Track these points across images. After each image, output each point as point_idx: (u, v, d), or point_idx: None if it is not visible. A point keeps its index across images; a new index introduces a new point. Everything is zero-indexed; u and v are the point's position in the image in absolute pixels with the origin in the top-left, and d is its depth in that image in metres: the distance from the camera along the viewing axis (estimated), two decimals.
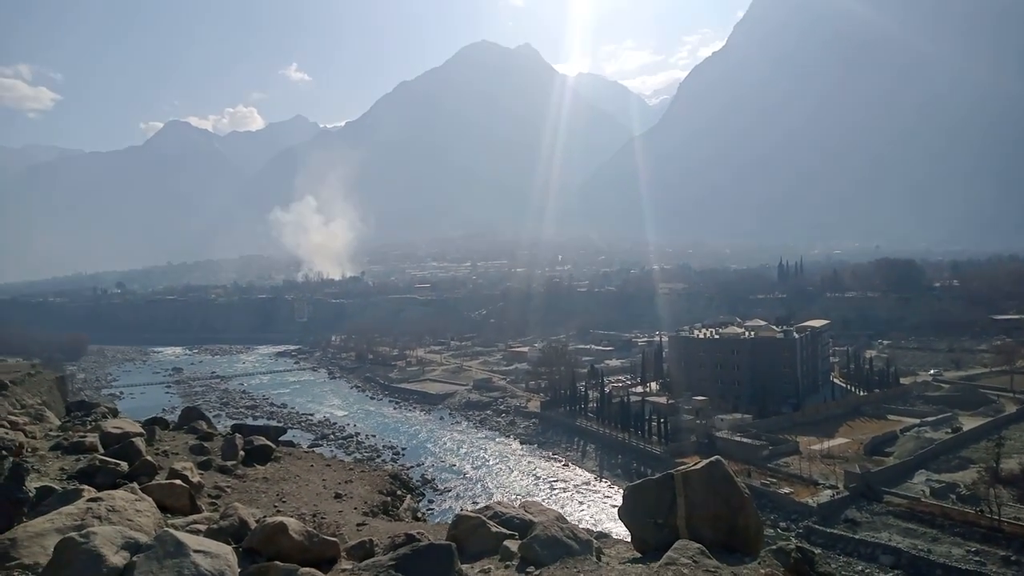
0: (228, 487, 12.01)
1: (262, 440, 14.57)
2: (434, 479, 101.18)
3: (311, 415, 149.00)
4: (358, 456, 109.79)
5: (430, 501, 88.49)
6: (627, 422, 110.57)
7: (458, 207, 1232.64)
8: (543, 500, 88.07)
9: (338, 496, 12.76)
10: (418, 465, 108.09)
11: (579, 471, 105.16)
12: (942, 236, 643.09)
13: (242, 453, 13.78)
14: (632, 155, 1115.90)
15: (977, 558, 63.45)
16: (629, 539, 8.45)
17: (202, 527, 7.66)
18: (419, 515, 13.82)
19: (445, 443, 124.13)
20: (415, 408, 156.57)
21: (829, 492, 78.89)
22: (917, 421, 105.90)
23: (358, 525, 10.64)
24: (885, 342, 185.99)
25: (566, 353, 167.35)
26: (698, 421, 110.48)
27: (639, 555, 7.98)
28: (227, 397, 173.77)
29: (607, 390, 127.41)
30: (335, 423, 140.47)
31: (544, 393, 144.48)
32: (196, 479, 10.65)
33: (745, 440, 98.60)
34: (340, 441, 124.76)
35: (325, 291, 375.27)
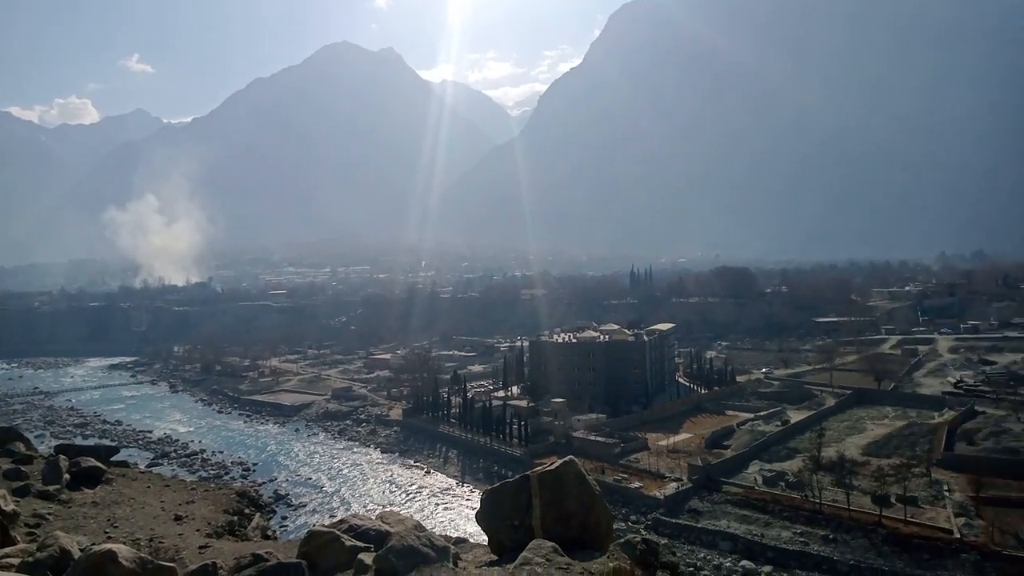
0: (50, 514, 10.87)
1: (91, 461, 13.30)
2: (288, 494, 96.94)
3: (149, 432, 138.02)
4: (203, 474, 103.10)
5: (283, 518, 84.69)
6: (489, 426, 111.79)
7: (317, 210, 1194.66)
8: (403, 509, 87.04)
9: (178, 518, 11.90)
10: (270, 481, 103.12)
11: (441, 477, 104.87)
12: (773, 247, 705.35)
13: (67, 476, 12.50)
14: (495, 164, 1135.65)
15: (802, 539, 69.96)
16: (487, 543, 8.54)
17: (15, 560, 6.86)
18: (270, 533, 13.17)
19: (300, 456, 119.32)
20: (268, 421, 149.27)
21: (675, 485, 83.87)
22: (751, 416, 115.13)
23: (200, 548, 9.97)
24: (724, 343, 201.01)
25: (429, 359, 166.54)
26: (557, 422, 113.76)
27: (496, 558, 8.08)
28: (52, 415, 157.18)
29: (470, 395, 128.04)
30: (177, 440, 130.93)
31: (406, 400, 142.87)
32: (10, 507, 9.53)
33: (599, 439, 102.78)
34: (183, 459, 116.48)
35: (167, 298, 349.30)
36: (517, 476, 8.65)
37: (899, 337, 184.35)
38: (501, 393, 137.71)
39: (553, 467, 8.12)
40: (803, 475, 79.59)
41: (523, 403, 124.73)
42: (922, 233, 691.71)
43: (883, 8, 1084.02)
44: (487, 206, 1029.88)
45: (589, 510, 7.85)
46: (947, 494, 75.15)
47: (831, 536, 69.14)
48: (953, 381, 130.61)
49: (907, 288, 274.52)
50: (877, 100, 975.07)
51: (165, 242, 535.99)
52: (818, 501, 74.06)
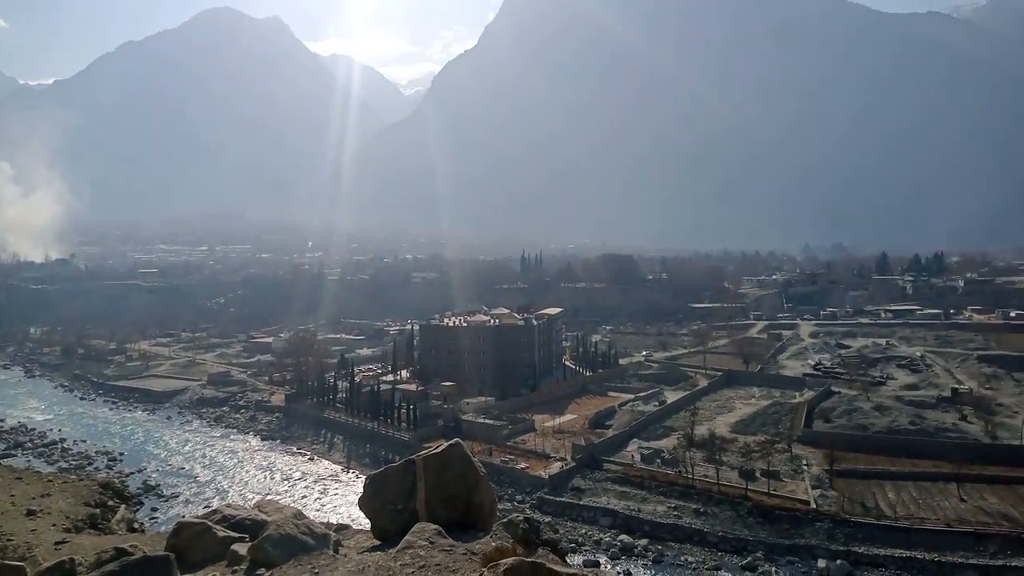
0: None
1: None
2: (158, 485, 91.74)
3: (1, 421, 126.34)
4: (63, 466, 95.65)
5: (153, 510, 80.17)
6: (377, 411, 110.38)
7: (195, 185, 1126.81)
8: (283, 498, 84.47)
9: (31, 513, 10.96)
10: (139, 471, 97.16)
11: (326, 464, 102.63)
12: (657, 234, 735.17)
13: None
14: (386, 144, 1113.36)
15: (676, 513, 74.02)
16: (370, 528, 8.42)
17: None
18: (136, 526, 12.40)
19: (172, 445, 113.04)
20: (136, 408, 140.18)
21: (559, 464, 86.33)
22: (632, 397, 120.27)
23: (57, 544, 9.24)
24: (608, 328, 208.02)
25: (315, 343, 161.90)
26: (446, 406, 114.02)
27: (379, 543, 7.99)
28: None
29: (357, 380, 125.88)
30: (33, 429, 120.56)
31: (290, 386, 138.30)
32: None
33: (488, 421, 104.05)
34: (39, 450, 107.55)
35: (23, 275, 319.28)
36: (402, 460, 8.60)
37: (766, 322, 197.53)
38: (390, 377, 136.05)
39: (439, 450, 8.13)
40: (678, 452, 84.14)
41: (412, 387, 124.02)
42: (788, 225, 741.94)
43: (763, 13, 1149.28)
44: (378, 187, 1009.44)
45: (474, 491, 7.92)
46: (806, 468, 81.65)
47: (702, 509, 73.54)
48: (812, 364, 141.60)
49: (774, 277, 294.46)
50: (758, 100, 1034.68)
51: (21, 214, 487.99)
52: (691, 476, 78.49)
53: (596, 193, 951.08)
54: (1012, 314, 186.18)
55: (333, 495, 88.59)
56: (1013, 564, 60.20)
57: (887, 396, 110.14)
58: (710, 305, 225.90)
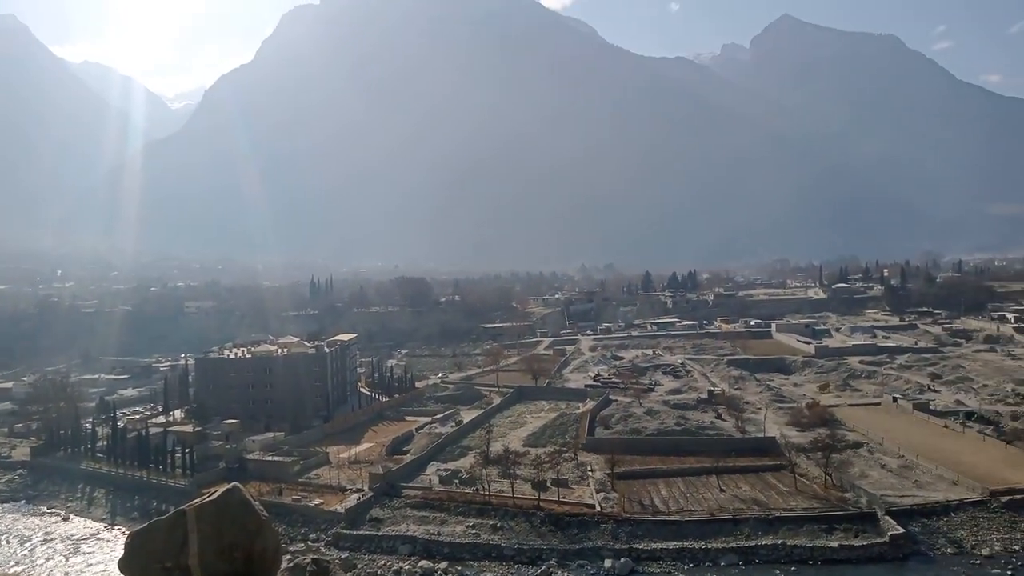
0: None
1: None
2: None
3: None
4: None
5: None
6: (146, 457, 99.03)
7: None
8: (24, 568, 72.64)
9: None
10: None
11: (85, 522, 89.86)
12: (446, 257, 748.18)
13: None
14: (152, 161, 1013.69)
15: (474, 531, 74.98)
16: None
17: None
18: None
19: None
20: None
21: (356, 496, 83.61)
22: (429, 419, 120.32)
23: None
24: (403, 351, 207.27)
25: (67, 386, 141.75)
26: (228, 446, 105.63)
27: None
28: None
29: (121, 424, 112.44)
30: None
31: (36, 437, 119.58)
32: None
33: (277, 458, 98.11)
34: None
35: None
36: (172, 511, 7.76)
37: (552, 339, 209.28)
38: (162, 419, 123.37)
39: (214, 497, 7.43)
40: (475, 470, 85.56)
41: (188, 428, 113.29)
42: (566, 247, 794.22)
43: (539, 50, 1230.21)
44: (142, 208, 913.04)
45: (256, 538, 7.33)
46: (590, 473, 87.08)
47: (499, 524, 75.27)
48: (592, 375, 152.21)
49: (557, 296, 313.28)
50: (536, 129, 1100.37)
51: None
52: (487, 493, 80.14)
53: (382, 215, 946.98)
54: (752, 323, 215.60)
55: (95, 558, 77.72)
56: (764, 542, 68.95)
57: (656, 401, 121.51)
58: (501, 325, 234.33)
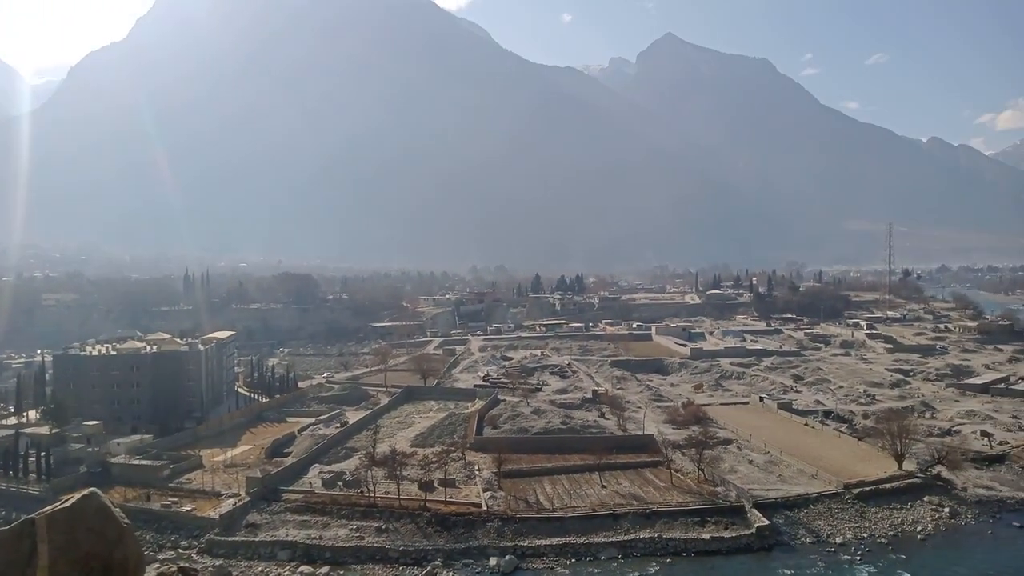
0: None
1: None
2: None
3: None
4: None
5: None
6: None
7: None
8: None
9: None
10: None
11: None
12: (334, 253, 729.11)
13: None
14: (7, 137, 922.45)
15: (358, 534, 73.27)
16: None
17: None
18: None
19: None
20: None
21: (231, 501, 79.71)
22: (313, 420, 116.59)
23: None
24: (286, 350, 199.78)
25: None
26: (90, 449, 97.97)
27: None
28: None
29: None
30: None
31: None
32: None
33: (144, 462, 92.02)
34: None
35: None
36: (17, 521, 7.01)
37: (441, 339, 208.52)
38: (14, 420, 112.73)
39: (68, 504, 6.78)
40: (359, 472, 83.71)
41: (44, 430, 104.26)
42: (456, 247, 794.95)
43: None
44: None
45: (115, 546, 6.74)
46: (478, 472, 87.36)
47: (384, 527, 74.02)
48: (482, 375, 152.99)
49: (447, 296, 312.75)
50: (425, 130, 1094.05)
51: None
52: (373, 495, 78.63)
53: (265, 206, 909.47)
54: (634, 326, 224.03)
55: None
56: (641, 536, 71.71)
57: (543, 400, 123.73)
58: (390, 324, 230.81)
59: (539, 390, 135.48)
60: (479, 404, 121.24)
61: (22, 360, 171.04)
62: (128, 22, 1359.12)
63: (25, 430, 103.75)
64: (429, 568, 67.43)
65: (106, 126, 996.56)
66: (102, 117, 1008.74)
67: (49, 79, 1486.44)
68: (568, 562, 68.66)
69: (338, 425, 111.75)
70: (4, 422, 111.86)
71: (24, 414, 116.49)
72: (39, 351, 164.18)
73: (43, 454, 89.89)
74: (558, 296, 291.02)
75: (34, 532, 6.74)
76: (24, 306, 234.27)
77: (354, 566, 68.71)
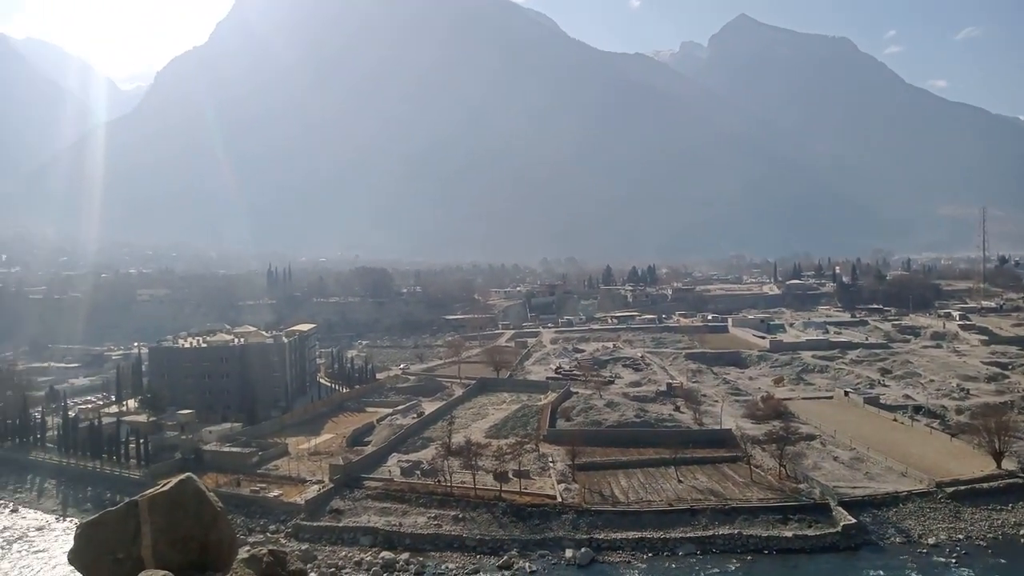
0: None
1: None
2: None
3: None
4: None
5: None
6: (99, 448, 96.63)
7: None
8: None
9: None
10: None
11: (34, 514, 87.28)
12: (408, 248, 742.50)
13: None
14: (102, 143, 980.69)
15: (436, 522, 74.83)
16: None
17: None
18: None
19: None
20: None
21: (316, 487, 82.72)
22: (390, 410, 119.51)
23: None
24: (364, 342, 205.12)
25: (14, 375, 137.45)
26: (184, 436, 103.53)
27: None
28: None
29: (72, 414, 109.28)
30: None
31: None
32: None
33: (235, 449, 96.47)
34: None
35: None
36: (122, 503, 7.44)
37: (513, 331, 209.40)
38: (115, 408, 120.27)
39: (167, 487, 7.16)
40: (436, 462, 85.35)
41: (142, 418, 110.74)
42: (528, 240, 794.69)
43: (494, 37, 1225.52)
44: (93, 192, 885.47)
45: (210, 529, 7.07)
46: (552, 465, 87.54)
47: (460, 515, 75.24)
48: (554, 368, 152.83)
49: (518, 288, 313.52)
50: (489, 124, 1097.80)
51: None
52: (449, 484, 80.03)
53: (346, 205, 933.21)
54: (709, 317, 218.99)
55: (45, 550, 75.40)
56: (720, 532, 70.28)
57: (616, 393, 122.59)
58: (463, 316, 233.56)
59: (612, 383, 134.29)
60: (552, 396, 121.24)
61: (120, 352, 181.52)
62: (209, 26, 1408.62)
63: (125, 418, 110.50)
64: (506, 558, 68.09)
65: (191, 135, 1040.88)
66: (188, 124, 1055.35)
67: (139, 84, 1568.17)
68: (645, 556, 67.99)
69: (415, 415, 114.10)
70: (106, 411, 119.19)
71: (123, 403, 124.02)
72: (136, 344, 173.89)
73: (142, 440, 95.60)
74: (630, 288, 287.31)
75: (138, 513, 7.11)
76: (121, 301, 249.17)
77: (432, 553, 70.15)
